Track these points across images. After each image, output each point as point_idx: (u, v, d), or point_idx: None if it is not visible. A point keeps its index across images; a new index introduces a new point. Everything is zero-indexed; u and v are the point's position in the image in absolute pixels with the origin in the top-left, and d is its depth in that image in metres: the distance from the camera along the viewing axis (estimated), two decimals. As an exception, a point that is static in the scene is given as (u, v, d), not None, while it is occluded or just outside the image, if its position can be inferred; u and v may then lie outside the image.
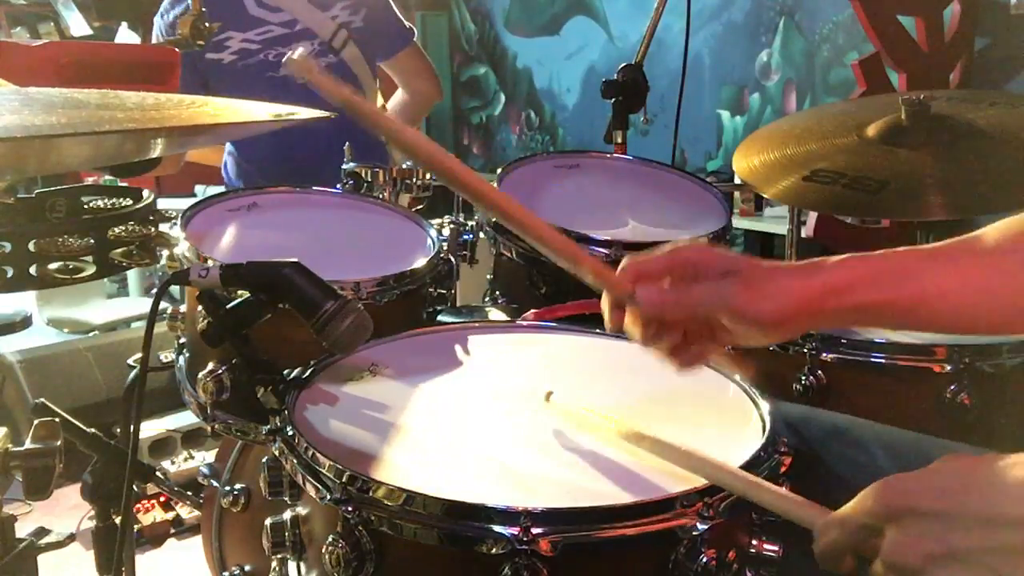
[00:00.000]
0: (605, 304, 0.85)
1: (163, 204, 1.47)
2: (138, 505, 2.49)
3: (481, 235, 1.45)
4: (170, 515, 2.53)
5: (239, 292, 0.97)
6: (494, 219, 1.39)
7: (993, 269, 0.78)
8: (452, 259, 1.34)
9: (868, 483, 0.62)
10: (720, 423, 0.88)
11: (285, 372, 0.95)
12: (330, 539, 0.72)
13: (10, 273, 1.22)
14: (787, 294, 0.77)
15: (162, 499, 2.56)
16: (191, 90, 2.19)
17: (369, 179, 1.50)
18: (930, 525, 0.56)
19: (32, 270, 1.25)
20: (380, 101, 2.48)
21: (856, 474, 0.91)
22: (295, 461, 0.79)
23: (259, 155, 2.31)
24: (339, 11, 2.24)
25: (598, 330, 1.10)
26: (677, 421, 0.86)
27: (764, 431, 0.83)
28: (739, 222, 3.70)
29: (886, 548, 0.58)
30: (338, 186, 1.50)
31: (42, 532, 2.46)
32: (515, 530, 0.66)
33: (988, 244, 0.80)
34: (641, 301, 0.80)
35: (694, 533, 0.69)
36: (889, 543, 0.58)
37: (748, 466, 0.75)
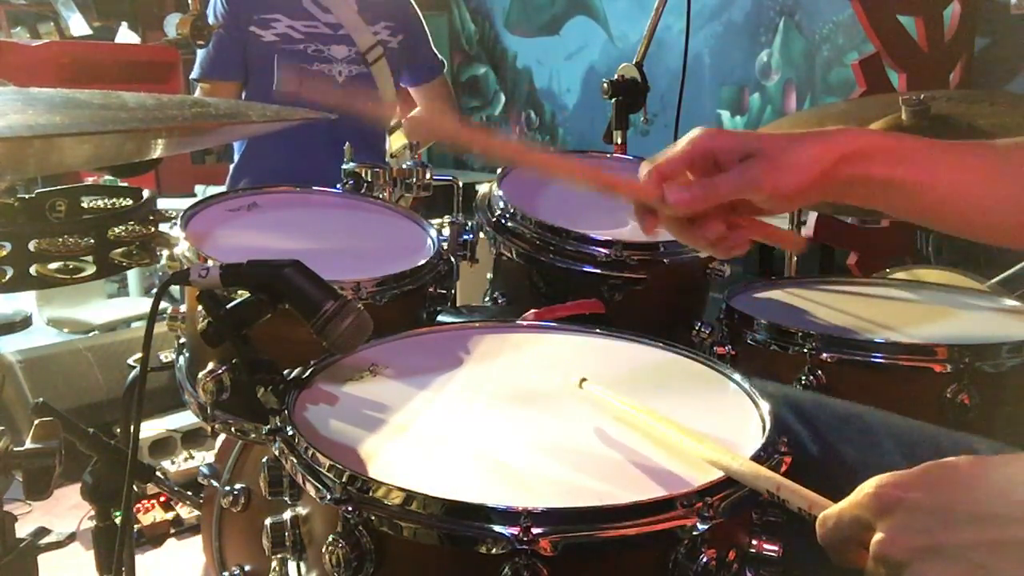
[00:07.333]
0: (635, 212, 0.88)
1: (163, 204, 1.48)
2: (138, 505, 2.49)
3: (481, 235, 1.45)
4: (170, 515, 2.53)
5: (239, 292, 0.97)
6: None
7: (1004, 162, 0.82)
8: (452, 259, 1.33)
9: (877, 471, 0.62)
10: (720, 423, 0.88)
11: (285, 372, 0.95)
12: (330, 539, 0.72)
13: (10, 273, 1.22)
14: (808, 163, 0.80)
15: (162, 499, 2.56)
16: (227, 57, 2.29)
17: (369, 179, 1.50)
18: (917, 520, 0.56)
19: (32, 270, 1.25)
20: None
21: (865, 462, 0.92)
22: (295, 461, 0.79)
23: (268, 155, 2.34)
24: (381, 29, 2.40)
25: (598, 330, 1.10)
26: (677, 420, 0.86)
27: (764, 431, 0.83)
28: (739, 222, 3.69)
29: (874, 542, 0.58)
30: (338, 186, 1.50)
31: (42, 532, 2.47)
32: (515, 530, 0.66)
33: (1003, 143, 0.83)
34: (671, 202, 0.82)
35: (694, 533, 0.69)
36: (877, 537, 0.58)
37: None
